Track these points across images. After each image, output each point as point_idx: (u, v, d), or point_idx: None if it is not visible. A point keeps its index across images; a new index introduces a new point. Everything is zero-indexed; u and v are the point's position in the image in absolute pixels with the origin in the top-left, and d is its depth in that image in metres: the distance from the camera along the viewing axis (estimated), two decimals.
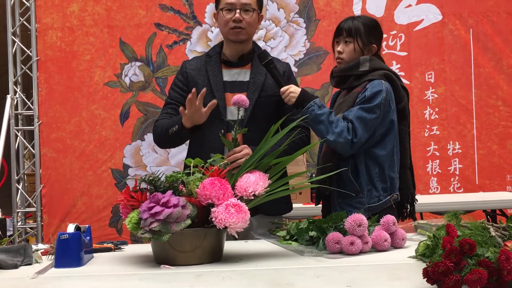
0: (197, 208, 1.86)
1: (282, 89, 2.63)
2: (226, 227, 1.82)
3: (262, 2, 2.82)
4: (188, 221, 1.80)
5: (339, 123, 2.55)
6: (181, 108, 2.48)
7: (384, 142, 2.65)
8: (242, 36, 2.73)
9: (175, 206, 1.79)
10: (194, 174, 1.96)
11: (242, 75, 2.77)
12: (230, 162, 2.31)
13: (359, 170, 2.63)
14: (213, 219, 1.82)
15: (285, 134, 2.15)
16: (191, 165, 2.02)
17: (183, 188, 1.92)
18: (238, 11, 2.69)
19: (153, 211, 1.78)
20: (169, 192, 1.84)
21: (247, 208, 1.86)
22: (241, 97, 2.29)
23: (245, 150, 2.45)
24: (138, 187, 1.91)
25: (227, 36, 2.77)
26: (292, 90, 2.60)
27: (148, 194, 1.87)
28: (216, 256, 1.92)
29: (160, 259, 1.90)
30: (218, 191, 1.84)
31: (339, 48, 2.76)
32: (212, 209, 1.84)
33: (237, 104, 2.28)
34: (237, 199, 1.88)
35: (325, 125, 2.54)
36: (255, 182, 1.91)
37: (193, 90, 2.46)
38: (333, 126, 2.53)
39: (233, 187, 1.92)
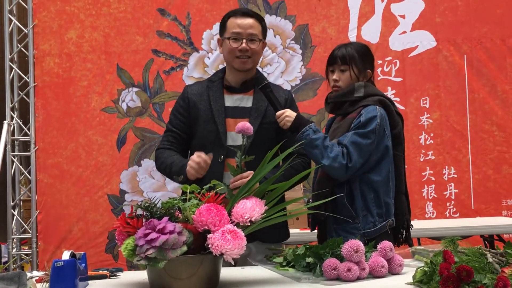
0: (193, 235, 1.83)
1: (278, 113, 2.63)
2: (222, 254, 1.80)
3: (266, 31, 2.83)
4: (184, 248, 1.78)
5: (334, 148, 2.55)
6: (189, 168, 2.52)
7: (379, 167, 2.65)
8: (248, 65, 2.75)
9: (171, 232, 1.77)
10: (191, 200, 1.94)
11: (245, 101, 2.77)
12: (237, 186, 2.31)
13: (354, 196, 2.62)
14: (209, 246, 1.80)
15: (284, 160, 2.15)
16: (188, 191, 2.00)
17: (179, 214, 1.90)
18: (244, 40, 2.71)
19: (149, 237, 1.76)
20: (165, 218, 1.82)
21: (243, 234, 1.84)
22: (246, 124, 2.26)
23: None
24: (134, 214, 1.89)
25: (232, 64, 2.77)
26: (287, 115, 2.61)
27: (144, 220, 1.86)
28: (212, 283, 1.90)
29: (155, 287, 1.87)
30: (214, 217, 1.82)
31: (335, 77, 2.76)
32: (208, 236, 1.82)
33: (241, 132, 2.25)
34: (234, 225, 1.86)
35: (320, 149, 2.54)
36: (251, 208, 1.90)
37: (210, 155, 2.50)
38: (328, 151, 2.53)
39: (229, 213, 1.91)
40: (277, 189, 2.05)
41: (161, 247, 1.75)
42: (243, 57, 2.72)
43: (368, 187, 2.62)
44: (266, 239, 2.63)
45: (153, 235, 1.76)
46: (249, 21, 2.73)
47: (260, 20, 2.79)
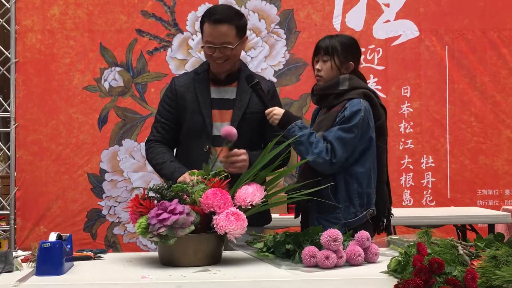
0: (200, 216, 2.18)
1: (267, 111, 2.86)
2: (226, 233, 2.14)
3: (244, 27, 2.95)
4: (192, 227, 2.13)
5: (319, 144, 2.77)
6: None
7: (363, 159, 2.86)
8: (225, 68, 2.95)
9: (180, 213, 2.10)
10: (198, 184, 2.28)
11: (229, 93, 3.00)
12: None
13: (338, 187, 2.83)
14: (214, 226, 2.15)
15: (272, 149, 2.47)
16: (195, 176, 2.35)
17: (187, 197, 2.23)
18: (217, 49, 2.86)
19: (161, 217, 2.09)
20: (175, 200, 2.16)
21: (245, 216, 2.19)
22: (232, 131, 2.58)
23: (243, 156, 2.75)
24: (146, 196, 2.22)
25: (211, 65, 2.98)
26: (275, 112, 2.84)
27: (156, 202, 2.19)
28: (215, 259, 2.24)
29: (165, 261, 2.22)
30: (219, 200, 2.17)
31: (317, 66, 2.96)
32: (213, 217, 2.17)
33: (226, 137, 2.58)
34: (236, 208, 2.21)
35: (305, 145, 2.76)
36: (252, 193, 2.26)
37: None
38: (312, 147, 2.75)
39: (232, 197, 2.25)
40: (277, 176, 2.44)
41: (172, 226, 2.09)
42: (219, 61, 2.90)
43: (352, 178, 2.83)
44: (249, 222, 2.92)
45: (165, 215, 2.09)
46: (222, 29, 2.84)
47: (234, 21, 2.89)
